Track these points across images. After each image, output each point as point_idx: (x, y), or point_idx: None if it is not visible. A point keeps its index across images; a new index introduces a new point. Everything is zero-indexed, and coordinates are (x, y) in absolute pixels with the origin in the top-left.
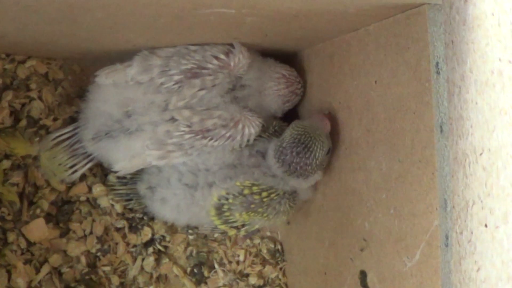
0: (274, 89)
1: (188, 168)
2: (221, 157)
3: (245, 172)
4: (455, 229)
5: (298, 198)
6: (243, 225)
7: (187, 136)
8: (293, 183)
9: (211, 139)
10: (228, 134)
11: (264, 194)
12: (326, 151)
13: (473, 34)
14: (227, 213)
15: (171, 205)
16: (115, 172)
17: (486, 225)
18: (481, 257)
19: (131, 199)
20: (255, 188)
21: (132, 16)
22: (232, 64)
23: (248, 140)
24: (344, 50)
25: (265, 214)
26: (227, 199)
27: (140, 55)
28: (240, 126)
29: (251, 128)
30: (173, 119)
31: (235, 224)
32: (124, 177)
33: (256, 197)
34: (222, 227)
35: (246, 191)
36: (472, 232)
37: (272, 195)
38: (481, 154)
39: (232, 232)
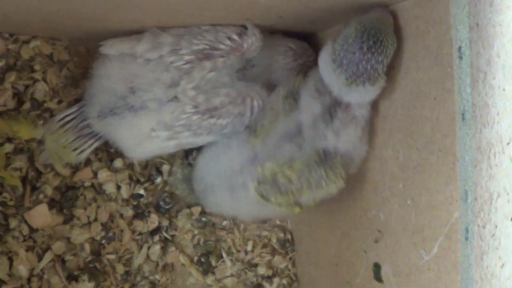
0: (282, 63)
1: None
2: (243, 151)
3: (266, 159)
4: (476, 222)
5: (333, 156)
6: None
7: (195, 117)
8: (353, 96)
9: (219, 118)
10: (237, 111)
11: (285, 168)
12: (395, 48)
13: (501, 16)
14: (271, 198)
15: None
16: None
17: None
18: (506, 252)
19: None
20: (275, 169)
21: None
22: (245, 46)
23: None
24: None
25: (305, 189)
26: (259, 184)
27: (150, 32)
28: (248, 100)
29: (259, 100)
30: (177, 99)
31: (290, 202)
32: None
33: (280, 175)
34: (283, 208)
35: (267, 174)
36: (496, 226)
37: (295, 166)
38: (508, 143)
39: (296, 210)
